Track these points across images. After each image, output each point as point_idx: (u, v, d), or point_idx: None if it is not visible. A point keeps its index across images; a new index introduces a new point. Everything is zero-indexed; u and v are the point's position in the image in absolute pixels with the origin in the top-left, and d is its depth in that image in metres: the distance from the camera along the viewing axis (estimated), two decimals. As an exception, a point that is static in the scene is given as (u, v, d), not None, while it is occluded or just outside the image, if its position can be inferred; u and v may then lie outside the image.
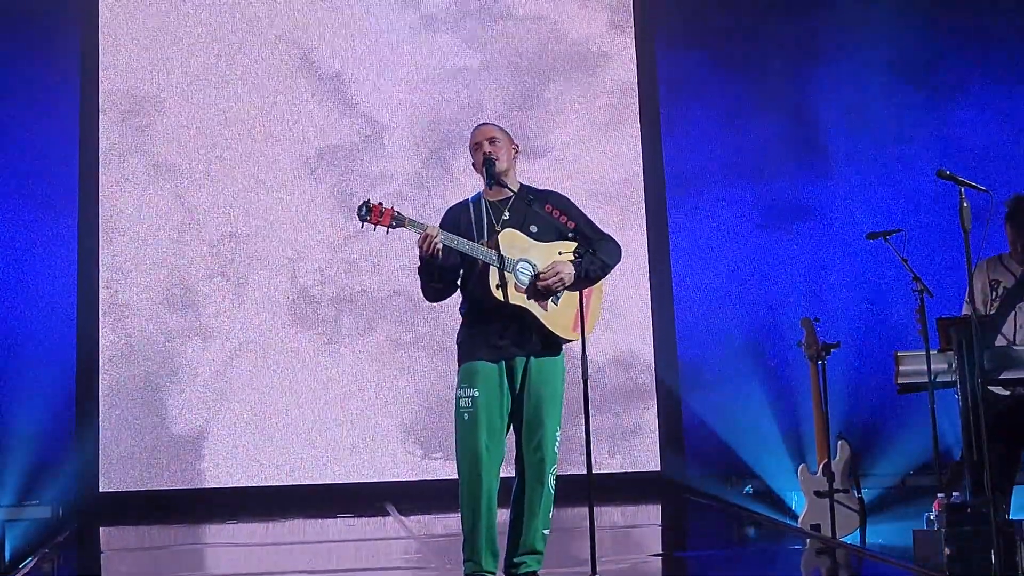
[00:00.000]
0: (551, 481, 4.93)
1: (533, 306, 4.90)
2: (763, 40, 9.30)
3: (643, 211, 9.11)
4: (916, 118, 9.17)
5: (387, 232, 4.80)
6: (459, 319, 5.12)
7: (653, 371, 8.96)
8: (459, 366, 5.00)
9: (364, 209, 4.71)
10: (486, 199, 5.08)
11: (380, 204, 4.74)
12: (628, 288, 8.88)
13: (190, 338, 8.57)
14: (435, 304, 5.26)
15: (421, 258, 4.85)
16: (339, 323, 8.71)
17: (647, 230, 9.09)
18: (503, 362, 4.93)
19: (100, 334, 8.48)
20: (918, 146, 9.09)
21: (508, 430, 4.98)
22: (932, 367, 6.16)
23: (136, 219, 8.61)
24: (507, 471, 4.99)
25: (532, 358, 4.95)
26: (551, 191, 5.18)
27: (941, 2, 9.27)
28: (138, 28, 8.77)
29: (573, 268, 4.93)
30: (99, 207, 8.58)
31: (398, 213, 4.77)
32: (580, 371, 4.81)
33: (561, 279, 4.91)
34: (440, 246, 4.77)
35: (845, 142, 9.24)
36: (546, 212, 4.98)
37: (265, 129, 8.80)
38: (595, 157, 9.11)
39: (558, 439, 4.97)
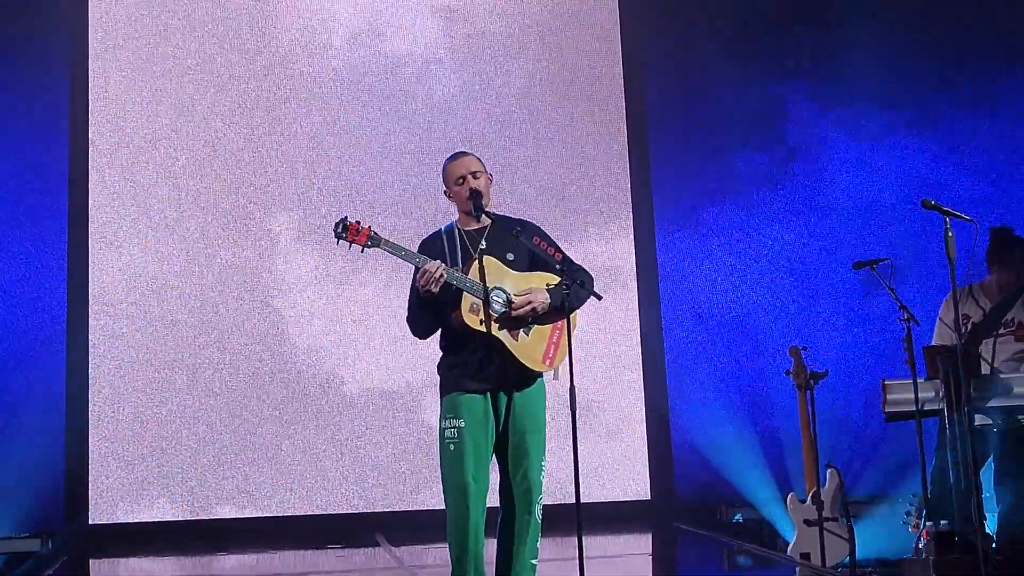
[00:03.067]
0: (538, 511, 4.94)
1: (504, 335, 4.89)
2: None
3: (632, 239, 9.14)
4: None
5: (362, 250, 4.83)
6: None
7: (642, 399, 8.97)
8: (442, 396, 5.00)
9: (340, 227, 4.75)
10: (461, 228, 5.09)
11: (358, 223, 4.77)
12: (617, 316, 8.90)
13: (179, 369, 8.56)
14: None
15: (418, 292, 4.84)
16: (328, 352, 8.71)
17: (636, 258, 9.12)
18: (487, 393, 4.94)
19: (89, 365, 8.46)
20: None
21: (492, 459, 4.98)
22: (919, 395, 6.19)
23: (126, 250, 8.61)
24: (492, 500, 5.00)
25: (513, 386, 4.94)
26: (526, 221, 5.19)
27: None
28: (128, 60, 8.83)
29: (548, 297, 4.93)
30: (88, 239, 8.58)
31: (374, 233, 4.79)
32: (568, 401, 4.81)
33: (533, 307, 4.91)
34: (441, 280, 4.78)
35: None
36: (534, 244, 5.00)
37: (253, 152, 8.85)
38: (582, 184, 9.15)
39: (544, 468, 4.97)
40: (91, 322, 8.51)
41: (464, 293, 4.83)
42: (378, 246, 4.79)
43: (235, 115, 8.87)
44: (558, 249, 5.09)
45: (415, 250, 5.00)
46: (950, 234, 5.48)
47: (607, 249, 9.02)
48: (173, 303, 8.62)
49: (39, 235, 8.57)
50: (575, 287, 4.92)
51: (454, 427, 4.89)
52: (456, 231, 5.08)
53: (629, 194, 9.21)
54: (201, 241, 8.70)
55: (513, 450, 4.94)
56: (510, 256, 5.00)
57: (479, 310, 4.85)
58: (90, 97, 8.74)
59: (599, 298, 5.02)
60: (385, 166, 8.95)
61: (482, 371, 4.92)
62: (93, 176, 8.66)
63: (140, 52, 8.83)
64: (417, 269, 4.84)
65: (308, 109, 8.96)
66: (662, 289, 9.15)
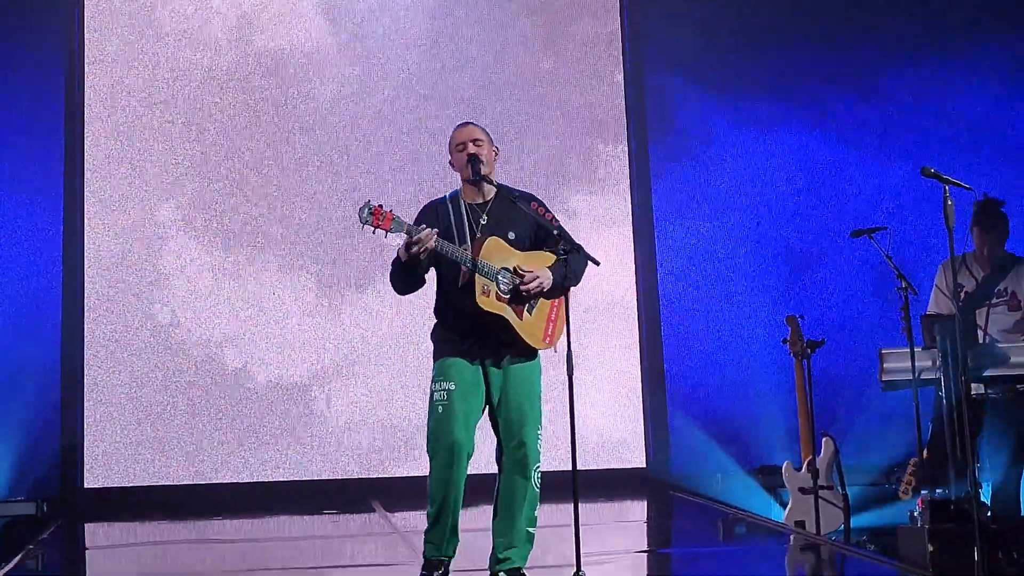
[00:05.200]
0: (536, 478, 4.96)
1: (511, 315, 4.92)
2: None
3: (628, 204, 9.13)
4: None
5: (386, 235, 4.81)
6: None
7: (639, 368, 8.97)
8: (435, 361, 5.03)
9: (366, 211, 4.71)
10: (465, 200, 5.07)
11: (380, 207, 4.75)
12: (614, 285, 8.88)
13: (174, 333, 8.55)
14: (422, 301, 5.22)
15: (408, 257, 4.82)
16: (325, 318, 8.70)
17: (633, 235, 9.11)
18: (479, 363, 4.96)
19: (85, 330, 8.46)
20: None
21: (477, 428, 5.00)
22: (916, 364, 6.19)
23: (120, 214, 8.59)
24: (483, 468, 5.01)
25: (508, 360, 4.98)
26: (529, 193, 5.17)
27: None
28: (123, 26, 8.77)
29: (551, 275, 4.95)
30: (84, 201, 8.56)
31: (397, 217, 4.78)
32: (565, 368, 4.82)
33: (541, 284, 4.93)
34: (431, 250, 4.77)
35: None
36: (532, 210, 4.99)
37: (251, 125, 8.82)
38: (580, 152, 9.14)
39: (540, 437, 4.99)
40: (87, 286, 8.50)
41: (476, 275, 4.84)
42: (401, 230, 4.77)
43: (232, 80, 8.83)
44: (555, 217, 5.08)
45: (418, 212, 5.04)
46: (949, 202, 5.45)
47: (604, 215, 9.01)
48: (169, 267, 8.60)
49: (34, 200, 8.56)
50: (573, 254, 4.94)
51: (444, 389, 4.92)
52: (461, 203, 5.06)
53: (626, 155, 9.20)
54: (198, 205, 8.68)
55: (509, 419, 4.96)
56: (511, 235, 5.01)
57: (490, 292, 4.87)
58: (85, 60, 8.70)
59: (596, 263, 5.02)
60: (384, 134, 8.95)
61: (476, 344, 4.95)
62: (88, 140, 8.63)
63: (136, 15, 8.78)
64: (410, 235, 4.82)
65: (307, 74, 8.92)
66: (659, 259, 9.14)
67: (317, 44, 8.92)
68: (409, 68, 9.03)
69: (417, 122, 8.92)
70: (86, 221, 8.56)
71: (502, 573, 4.93)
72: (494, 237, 4.95)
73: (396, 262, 4.95)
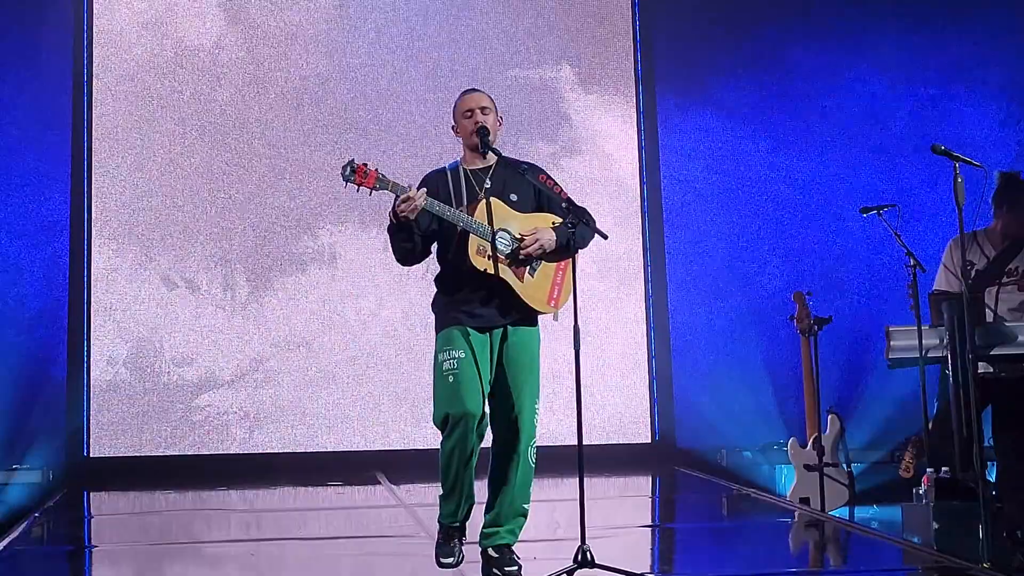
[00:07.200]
0: (531, 454, 4.85)
1: (510, 276, 4.81)
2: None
3: (637, 179, 9.12)
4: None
5: (370, 193, 4.73)
6: None
7: (646, 342, 8.97)
8: (437, 332, 4.92)
9: (348, 169, 4.64)
10: (465, 168, 4.99)
11: (365, 165, 4.67)
12: (622, 259, 8.88)
13: (181, 304, 8.56)
14: (425, 272, 5.16)
15: (396, 219, 4.74)
16: (330, 289, 8.70)
17: (642, 201, 9.10)
18: (485, 332, 4.85)
19: (92, 300, 8.47)
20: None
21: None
22: (923, 342, 6.17)
23: (128, 183, 8.59)
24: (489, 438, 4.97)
25: (509, 328, 4.87)
26: (531, 163, 5.10)
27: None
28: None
29: (555, 235, 4.85)
30: (91, 171, 8.56)
31: (382, 175, 4.69)
32: (572, 341, 4.75)
33: (541, 246, 4.82)
34: (419, 209, 4.68)
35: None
36: (539, 181, 4.92)
37: (259, 89, 8.80)
38: (591, 135, 9.13)
39: (537, 411, 4.88)
40: (94, 255, 8.51)
41: (471, 236, 4.75)
42: (387, 189, 4.69)
43: (242, 48, 8.81)
44: (563, 189, 5.01)
45: (418, 183, 4.88)
46: (959, 180, 5.42)
47: (611, 185, 9.01)
48: (176, 238, 8.60)
49: (39, 169, 8.55)
50: (580, 226, 4.83)
51: (453, 358, 4.80)
52: (460, 170, 4.99)
53: (634, 120, 9.21)
54: (206, 175, 8.67)
55: (507, 392, 4.85)
56: (513, 197, 4.90)
57: (486, 252, 4.76)
58: (94, 29, 8.68)
59: (605, 237, 4.95)
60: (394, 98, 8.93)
61: (479, 309, 4.83)
62: (97, 109, 8.62)
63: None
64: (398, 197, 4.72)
65: (316, 44, 8.90)
66: (667, 234, 9.13)
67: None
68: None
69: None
70: (93, 191, 8.55)
71: (490, 549, 4.82)
72: (492, 198, 4.84)
73: (390, 227, 4.85)
